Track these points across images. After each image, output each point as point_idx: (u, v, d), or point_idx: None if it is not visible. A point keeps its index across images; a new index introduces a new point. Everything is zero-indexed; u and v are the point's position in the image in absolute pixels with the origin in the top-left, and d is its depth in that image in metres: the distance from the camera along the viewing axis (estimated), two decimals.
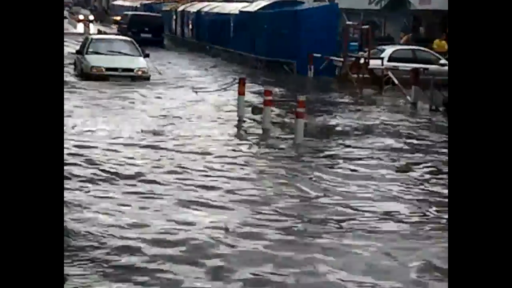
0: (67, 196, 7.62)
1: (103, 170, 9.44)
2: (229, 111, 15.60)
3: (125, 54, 21.54)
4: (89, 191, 8.36)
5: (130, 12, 43.77)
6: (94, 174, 9.22)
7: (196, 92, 19.12)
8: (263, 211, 7.92)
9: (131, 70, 20.52)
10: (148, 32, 36.70)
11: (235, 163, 10.43)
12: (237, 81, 16.07)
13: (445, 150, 11.62)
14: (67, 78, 20.48)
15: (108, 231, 6.80)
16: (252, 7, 30.38)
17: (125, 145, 11.38)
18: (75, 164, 9.61)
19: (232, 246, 6.60)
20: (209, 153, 11.03)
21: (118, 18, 47.73)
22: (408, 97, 18.72)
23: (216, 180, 9.27)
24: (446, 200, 8.02)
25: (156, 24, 38.78)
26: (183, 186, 8.89)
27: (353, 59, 22.36)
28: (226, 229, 7.09)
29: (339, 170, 10.27)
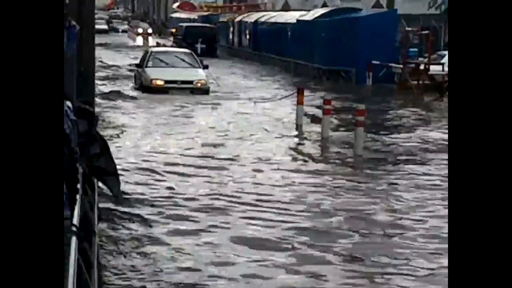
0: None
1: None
2: (289, 121, 15.56)
3: (184, 66, 21.70)
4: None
5: (184, 24, 44.61)
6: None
7: (255, 102, 19.15)
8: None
9: (190, 82, 20.64)
10: (202, 43, 37.74)
11: (293, 171, 10.41)
12: (295, 90, 16.06)
13: None
14: (128, 91, 20.79)
15: None
16: (310, 16, 30.32)
17: (186, 156, 11.45)
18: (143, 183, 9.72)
19: None
20: (269, 163, 11.02)
21: (174, 30, 48.63)
22: None
23: (277, 190, 9.24)
24: None
25: (210, 34, 39.96)
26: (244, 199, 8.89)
27: (413, 65, 22.08)
28: None
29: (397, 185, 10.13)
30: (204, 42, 38.12)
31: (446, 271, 6.38)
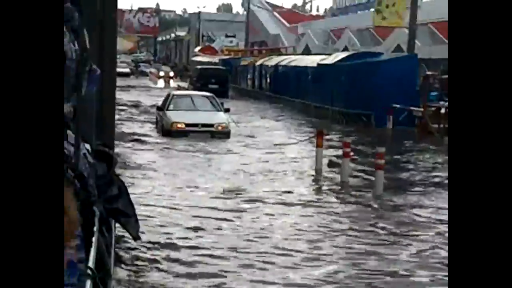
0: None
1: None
2: (307, 164, 15.57)
3: (206, 109, 21.79)
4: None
5: (199, 66, 47.17)
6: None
7: (276, 145, 19.20)
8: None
9: (211, 125, 20.66)
10: (214, 84, 39.53)
11: (311, 216, 10.41)
12: (315, 134, 16.09)
13: None
14: (148, 135, 20.93)
15: None
16: (331, 59, 30.50)
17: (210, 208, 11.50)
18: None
19: None
20: (288, 205, 11.02)
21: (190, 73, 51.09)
22: None
23: (298, 235, 9.24)
24: None
25: (222, 76, 42.46)
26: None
27: (434, 109, 22.08)
28: None
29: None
30: (217, 83, 40.03)
31: None
